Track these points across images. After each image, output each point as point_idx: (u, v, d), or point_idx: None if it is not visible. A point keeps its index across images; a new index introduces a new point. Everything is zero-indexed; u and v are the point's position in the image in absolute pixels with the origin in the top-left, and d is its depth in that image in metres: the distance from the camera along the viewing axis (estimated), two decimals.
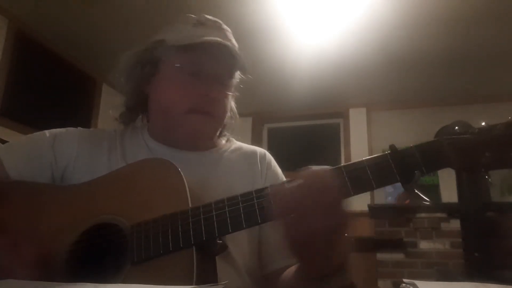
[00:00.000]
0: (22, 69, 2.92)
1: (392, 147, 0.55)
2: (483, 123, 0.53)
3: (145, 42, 0.84)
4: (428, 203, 0.60)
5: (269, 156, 0.91)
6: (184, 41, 0.76)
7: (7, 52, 2.78)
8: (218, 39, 0.76)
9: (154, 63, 0.81)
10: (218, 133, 0.88)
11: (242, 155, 0.88)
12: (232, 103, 0.90)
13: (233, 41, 0.82)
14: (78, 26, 2.96)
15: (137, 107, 0.87)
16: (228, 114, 0.87)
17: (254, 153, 0.89)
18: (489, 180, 0.52)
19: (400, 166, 0.53)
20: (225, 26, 0.83)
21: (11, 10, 2.79)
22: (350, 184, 0.54)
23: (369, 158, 0.55)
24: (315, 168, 0.53)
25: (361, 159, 0.55)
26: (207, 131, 0.82)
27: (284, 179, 0.88)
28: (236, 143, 0.93)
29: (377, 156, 0.55)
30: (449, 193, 3.31)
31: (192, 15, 0.82)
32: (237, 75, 0.85)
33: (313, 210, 0.49)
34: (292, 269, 0.71)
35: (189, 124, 0.78)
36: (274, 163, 0.90)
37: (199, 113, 0.77)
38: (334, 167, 0.55)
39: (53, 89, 3.20)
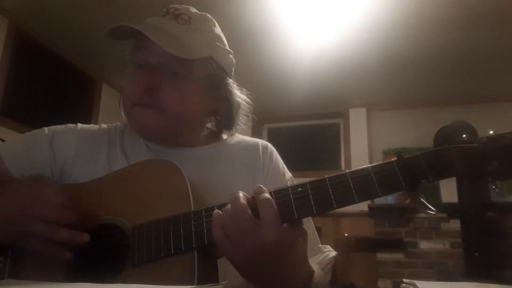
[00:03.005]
0: (22, 69, 2.91)
1: (398, 155, 0.54)
2: (491, 132, 0.51)
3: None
4: (433, 212, 0.59)
5: (271, 148, 0.89)
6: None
7: (7, 52, 2.78)
8: (124, 24, 0.71)
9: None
10: (187, 127, 0.81)
11: (244, 148, 0.87)
12: (236, 96, 0.84)
13: (190, 25, 0.77)
14: (78, 26, 2.96)
15: None
16: (215, 113, 0.83)
17: (256, 146, 0.87)
18: (496, 190, 0.51)
19: (406, 174, 0.53)
20: (181, 11, 0.78)
21: (11, 10, 2.79)
22: (355, 190, 0.53)
23: (375, 165, 0.54)
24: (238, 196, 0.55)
25: (366, 166, 0.54)
26: (153, 124, 0.74)
27: (286, 171, 0.88)
28: (238, 137, 0.91)
29: (383, 164, 0.54)
30: (449, 193, 3.31)
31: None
32: (201, 64, 0.76)
33: (239, 233, 0.53)
34: None
35: (133, 118, 0.75)
36: (276, 155, 0.88)
37: (138, 105, 0.74)
38: (339, 173, 0.55)
39: (53, 89, 3.20)
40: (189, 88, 0.76)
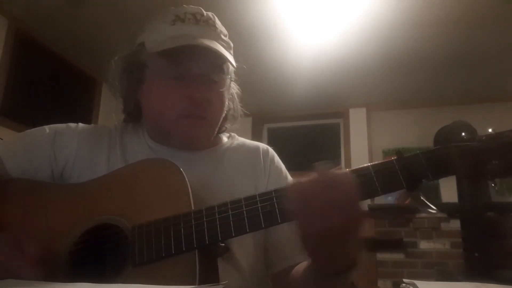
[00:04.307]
0: (22, 69, 2.91)
1: (398, 154, 0.54)
2: (490, 130, 0.52)
3: (130, 45, 0.82)
4: (434, 211, 0.59)
5: (272, 152, 0.89)
6: (160, 46, 0.73)
7: (7, 52, 2.78)
8: (191, 42, 0.72)
9: (140, 69, 0.79)
10: (216, 131, 0.85)
11: (245, 151, 0.87)
12: (235, 97, 0.86)
13: (217, 31, 0.78)
14: (78, 26, 2.96)
15: (135, 112, 0.85)
16: (226, 111, 0.84)
17: (256, 150, 0.87)
18: (496, 188, 0.52)
19: (406, 173, 0.53)
20: (206, 16, 0.79)
21: (11, 10, 2.79)
22: None
23: (375, 164, 0.54)
24: (326, 166, 0.53)
25: (366, 164, 0.54)
26: (201, 134, 0.78)
27: (288, 175, 0.88)
28: (239, 139, 0.91)
29: (383, 162, 0.55)
30: (449, 193, 3.31)
31: (173, 8, 0.79)
32: (230, 69, 0.81)
33: (330, 206, 0.49)
34: (303, 266, 0.71)
35: (181, 130, 0.76)
36: (277, 159, 0.89)
37: (189, 117, 0.74)
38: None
39: (53, 89, 3.20)
40: (225, 95, 0.80)
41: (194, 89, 0.73)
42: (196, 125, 0.75)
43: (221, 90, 0.78)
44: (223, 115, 0.82)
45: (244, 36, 2.97)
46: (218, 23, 0.81)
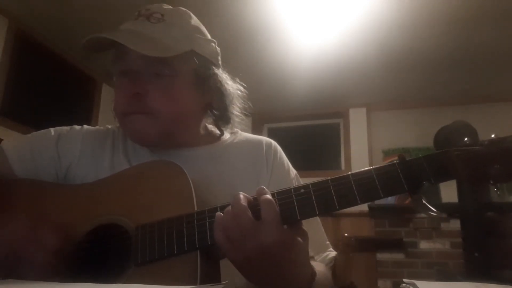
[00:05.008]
0: (22, 69, 2.91)
1: (400, 157, 0.55)
2: (493, 135, 0.52)
3: None
4: (435, 214, 0.60)
5: (275, 145, 0.87)
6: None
7: (7, 52, 2.78)
8: (94, 35, 0.69)
9: None
10: (186, 127, 0.80)
11: (247, 147, 0.86)
12: (228, 86, 0.81)
13: (158, 25, 0.74)
14: (78, 26, 2.96)
15: None
16: (209, 108, 0.82)
17: (259, 144, 0.86)
18: (498, 192, 0.52)
19: (408, 176, 0.53)
20: (151, 11, 0.75)
21: (11, 10, 2.79)
22: (357, 192, 0.54)
23: (377, 167, 0.55)
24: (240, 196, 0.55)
25: (369, 168, 0.55)
26: (148, 131, 0.73)
27: (291, 169, 0.87)
28: (242, 135, 0.90)
29: (385, 165, 0.55)
30: (449, 193, 3.31)
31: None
32: (194, 63, 0.76)
33: (241, 236, 0.53)
34: None
35: (127, 128, 0.75)
36: (280, 153, 0.87)
37: (128, 115, 0.73)
38: (342, 175, 0.55)
39: (53, 89, 3.20)
40: (176, 86, 0.75)
41: (132, 84, 0.72)
42: (138, 121, 0.72)
43: (165, 82, 0.73)
44: (180, 108, 0.75)
45: (244, 36, 2.97)
46: (170, 15, 0.77)
